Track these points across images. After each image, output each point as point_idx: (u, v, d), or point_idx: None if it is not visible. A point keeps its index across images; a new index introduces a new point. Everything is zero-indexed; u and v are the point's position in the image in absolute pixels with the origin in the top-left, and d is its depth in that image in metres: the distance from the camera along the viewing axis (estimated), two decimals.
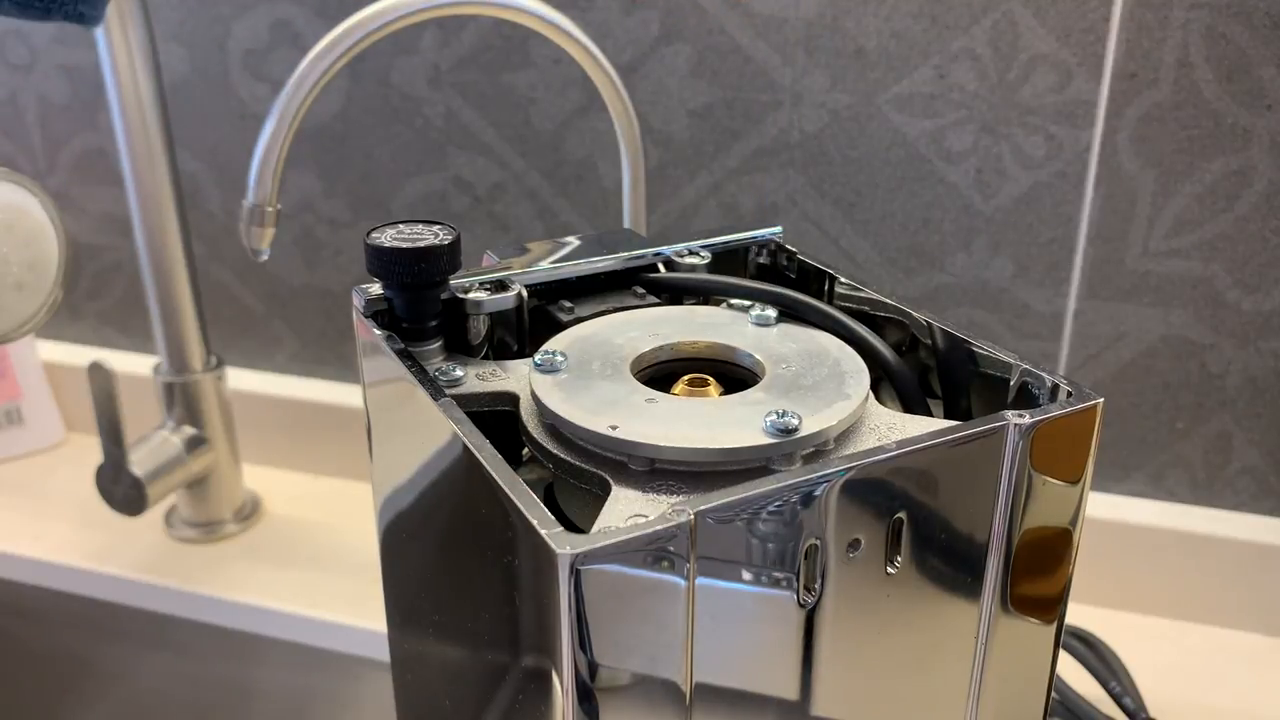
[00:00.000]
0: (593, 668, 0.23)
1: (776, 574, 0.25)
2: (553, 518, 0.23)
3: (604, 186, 0.66)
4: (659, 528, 0.22)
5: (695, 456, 0.26)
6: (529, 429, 0.29)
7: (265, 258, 0.54)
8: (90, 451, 0.79)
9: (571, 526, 0.22)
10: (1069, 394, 0.29)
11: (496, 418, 0.31)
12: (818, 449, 0.27)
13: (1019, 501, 0.28)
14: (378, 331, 0.33)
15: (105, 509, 0.66)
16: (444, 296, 0.34)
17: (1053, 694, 0.32)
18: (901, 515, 0.26)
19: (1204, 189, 0.57)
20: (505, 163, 0.68)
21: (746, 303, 0.35)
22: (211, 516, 0.70)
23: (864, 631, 0.27)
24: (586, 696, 0.23)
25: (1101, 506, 0.63)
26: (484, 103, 0.67)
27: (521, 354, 0.35)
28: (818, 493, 0.25)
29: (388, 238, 0.32)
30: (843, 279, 0.37)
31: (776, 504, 0.24)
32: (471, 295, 0.34)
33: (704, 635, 0.24)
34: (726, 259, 0.39)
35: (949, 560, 0.28)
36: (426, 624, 0.33)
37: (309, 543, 0.70)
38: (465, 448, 0.26)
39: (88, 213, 0.79)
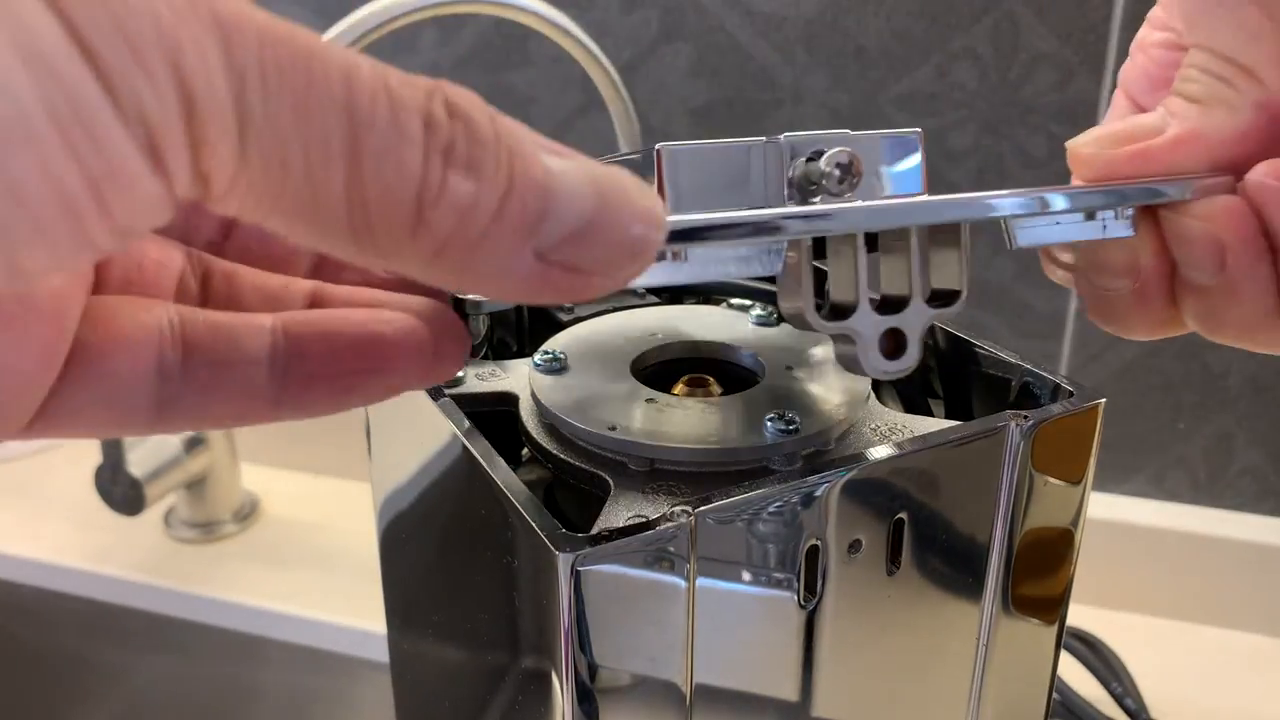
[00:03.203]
0: (592, 669, 0.23)
1: (777, 575, 0.25)
2: (552, 519, 0.23)
3: None
4: (659, 528, 0.22)
5: (695, 457, 0.26)
6: (529, 429, 0.29)
7: None
8: (89, 451, 0.79)
9: (571, 527, 0.22)
10: (1070, 394, 0.29)
11: (496, 418, 0.30)
12: (818, 449, 0.27)
13: (1020, 502, 0.28)
14: None
15: (104, 509, 0.66)
16: None
17: (1054, 695, 0.32)
18: (902, 516, 0.26)
19: None
20: None
21: (747, 302, 0.35)
22: (210, 517, 0.70)
23: (865, 633, 0.27)
24: (586, 698, 0.23)
25: (1103, 507, 0.63)
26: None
27: (521, 354, 0.35)
28: (818, 493, 0.24)
29: None
30: None
31: (777, 505, 0.24)
32: (471, 295, 0.34)
33: (704, 636, 0.24)
34: None
35: (950, 561, 0.28)
36: (426, 625, 0.33)
37: (308, 543, 0.70)
38: (465, 448, 0.26)
39: None
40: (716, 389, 0.30)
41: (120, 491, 0.64)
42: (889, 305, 0.23)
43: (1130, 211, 0.24)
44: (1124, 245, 0.25)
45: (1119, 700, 0.54)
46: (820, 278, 0.22)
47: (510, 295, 0.16)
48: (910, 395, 0.33)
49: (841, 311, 0.22)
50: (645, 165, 0.23)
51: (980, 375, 0.32)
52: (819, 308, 0.22)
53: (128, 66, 0.12)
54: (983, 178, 0.59)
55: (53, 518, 0.72)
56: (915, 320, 0.23)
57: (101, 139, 0.12)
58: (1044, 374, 0.30)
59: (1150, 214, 0.24)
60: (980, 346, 0.32)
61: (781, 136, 0.23)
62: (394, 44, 0.67)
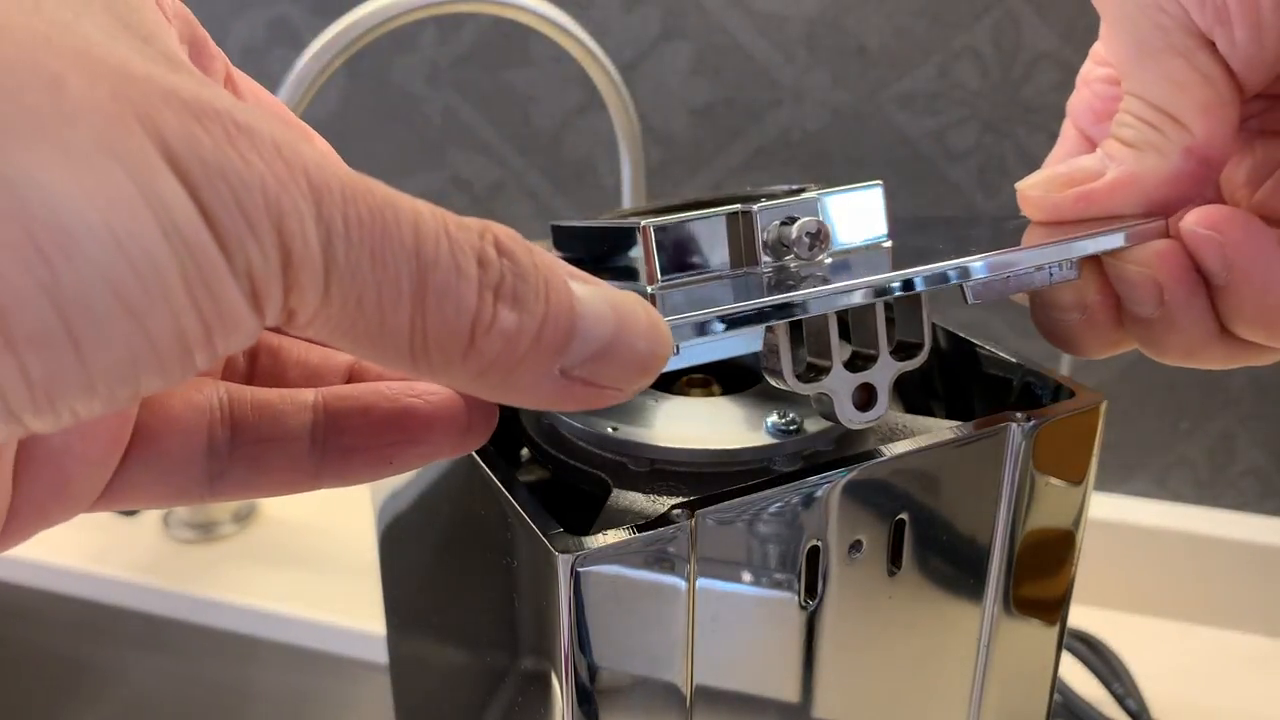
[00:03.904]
0: (593, 670, 0.23)
1: (777, 576, 0.25)
2: (552, 519, 0.22)
3: (604, 186, 0.66)
4: (659, 529, 0.22)
5: (696, 457, 0.26)
6: (528, 430, 0.29)
7: None
8: None
9: (571, 528, 0.22)
10: (1072, 394, 0.29)
11: None
12: (819, 450, 0.27)
13: (1021, 502, 0.28)
14: None
15: None
16: None
17: (1055, 696, 0.32)
18: (903, 516, 0.26)
19: None
20: (504, 161, 0.68)
21: None
22: (209, 517, 0.70)
23: (865, 633, 0.27)
24: (586, 699, 0.23)
25: (1104, 507, 0.63)
26: (483, 101, 0.66)
27: None
28: (819, 494, 0.24)
29: None
30: None
31: (777, 505, 0.24)
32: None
33: (704, 637, 0.24)
34: None
35: (951, 562, 0.27)
36: (425, 626, 0.33)
37: (306, 544, 0.69)
38: None
39: None
40: (717, 389, 0.30)
41: None
42: (859, 361, 0.25)
43: (1074, 260, 0.26)
44: (1071, 286, 0.26)
45: (1120, 701, 0.54)
46: (796, 342, 0.25)
47: (534, 405, 0.18)
48: (911, 395, 0.33)
49: (818, 372, 0.25)
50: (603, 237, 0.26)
51: (981, 375, 0.32)
52: (796, 369, 0.24)
53: (242, 232, 0.14)
54: (984, 177, 0.59)
55: None
56: (883, 374, 0.25)
57: (218, 294, 0.14)
58: (1045, 374, 0.30)
59: (1093, 257, 0.26)
60: (981, 347, 0.31)
61: (755, 206, 0.25)
62: (393, 42, 0.66)
